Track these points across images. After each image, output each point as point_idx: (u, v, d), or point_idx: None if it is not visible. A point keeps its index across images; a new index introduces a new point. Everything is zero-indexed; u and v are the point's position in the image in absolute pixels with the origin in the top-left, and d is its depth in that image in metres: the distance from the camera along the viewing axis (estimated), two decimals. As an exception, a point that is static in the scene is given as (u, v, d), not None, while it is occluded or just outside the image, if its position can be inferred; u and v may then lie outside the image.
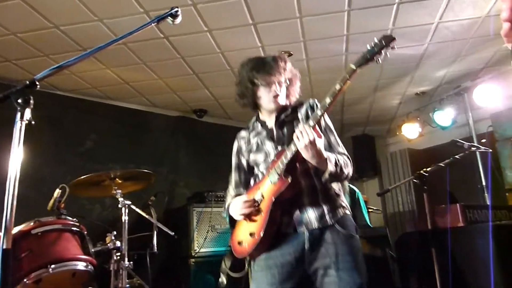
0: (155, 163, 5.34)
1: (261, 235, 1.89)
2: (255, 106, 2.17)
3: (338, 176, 1.91)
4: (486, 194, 4.99)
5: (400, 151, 7.19)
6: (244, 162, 2.24)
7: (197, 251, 4.38)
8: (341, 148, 2.07)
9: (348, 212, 2.04)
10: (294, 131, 1.92)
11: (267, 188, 1.98)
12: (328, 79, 5.21)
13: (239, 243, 2.04)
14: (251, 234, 1.96)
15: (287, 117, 2.12)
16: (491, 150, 3.39)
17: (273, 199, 1.91)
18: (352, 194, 4.09)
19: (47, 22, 3.57)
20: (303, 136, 1.76)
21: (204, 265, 4.37)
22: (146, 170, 3.37)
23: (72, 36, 3.82)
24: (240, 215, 2.01)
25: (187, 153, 5.78)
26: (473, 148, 3.06)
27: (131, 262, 2.95)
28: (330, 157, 1.87)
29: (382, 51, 1.74)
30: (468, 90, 5.35)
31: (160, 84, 5.02)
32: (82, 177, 2.99)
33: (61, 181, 3.05)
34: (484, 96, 4.94)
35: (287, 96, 2.16)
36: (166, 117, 5.82)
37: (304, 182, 1.98)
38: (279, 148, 2.04)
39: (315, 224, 1.91)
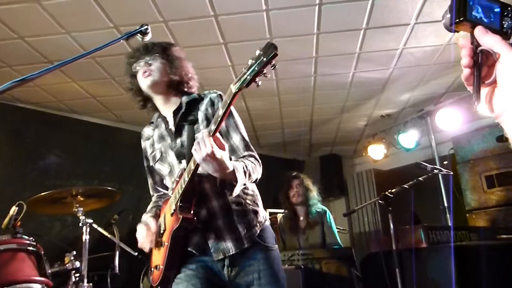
0: (121, 179, 5.22)
1: (163, 269, 1.80)
2: (147, 100, 2.02)
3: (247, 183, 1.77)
4: (448, 215, 5.12)
5: (366, 172, 7.31)
6: (151, 165, 2.06)
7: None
8: (244, 150, 1.87)
9: (267, 223, 1.93)
10: (192, 139, 1.79)
11: (168, 219, 1.84)
12: (296, 100, 5.28)
13: (151, 270, 1.94)
14: (156, 267, 1.85)
15: (185, 118, 1.91)
16: (452, 173, 3.49)
17: (171, 234, 1.77)
18: (322, 212, 4.13)
19: (11, 32, 3.47)
20: (201, 148, 1.53)
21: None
22: (109, 188, 3.27)
23: (37, 48, 3.73)
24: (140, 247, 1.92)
25: (154, 170, 5.67)
26: (435, 171, 3.14)
27: (91, 284, 2.83)
28: (237, 166, 1.66)
29: (264, 70, 1.41)
30: (431, 113, 5.52)
31: (128, 99, 4.92)
32: (42, 193, 2.88)
33: (19, 197, 2.93)
34: (445, 120, 5.11)
35: (177, 82, 1.98)
36: (134, 133, 5.70)
37: (217, 202, 1.83)
38: (183, 162, 1.86)
39: (232, 250, 1.80)
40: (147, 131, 2.10)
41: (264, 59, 1.38)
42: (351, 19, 3.64)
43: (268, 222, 1.95)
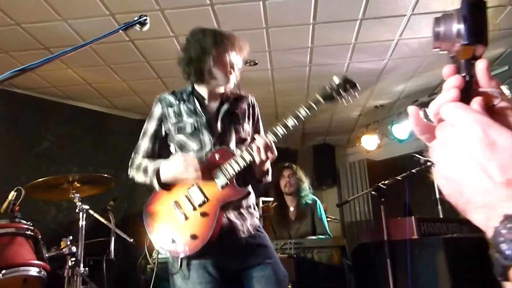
0: (115, 166, 5.22)
1: (207, 240, 1.83)
2: (199, 79, 2.02)
3: None
4: (439, 207, 5.18)
5: (359, 162, 7.37)
6: (163, 132, 2.08)
7: (155, 257, 4.30)
8: None
9: None
10: (231, 128, 2.01)
11: (212, 190, 1.90)
12: (291, 89, 5.30)
13: (172, 240, 1.89)
14: (193, 236, 1.85)
15: (228, 110, 2.06)
16: (444, 165, 3.51)
17: (221, 205, 1.88)
18: (312, 203, 4.15)
19: (8, 18, 3.46)
20: (267, 152, 1.84)
21: (162, 271, 4.29)
22: (106, 175, 3.30)
23: (34, 34, 3.71)
24: (194, 171, 1.84)
25: (149, 157, 5.68)
26: (428, 163, 3.18)
27: (87, 268, 2.87)
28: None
29: (345, 95, 1.92)
30: (425, 105, 5.52)
31: (123, 86, 4.94)
32: (39, 179, 2.90)
33: (15, 182, 2.95)
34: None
35: None
36: (128, 119, 5.72)
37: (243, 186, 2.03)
38: (217, 146, 1.97)
39: (250, 229, 1.98)
40: (169, 97, 2.10)
41: (346, 87, 1.92)
42: (348, 10, 3.65)
43: None
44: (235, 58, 2.02)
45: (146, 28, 1.80)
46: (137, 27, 1.76)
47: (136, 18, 1.73)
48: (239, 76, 2.09)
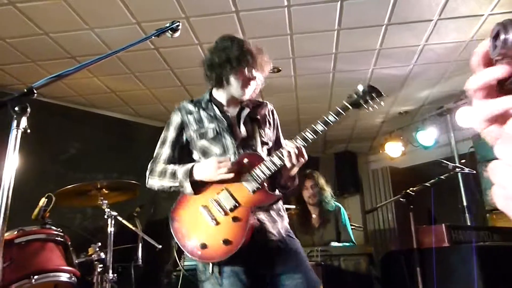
0: (138, 173, 5.21)
1: (240, 245, 1.80)
2: (217, 84, 2.03)
3: None
4: (467, 215, 5.07)
5: (381, 169, 7.27)
6: (184, 139, 2.08)
7: (181, 264, 4.30)
8: None
9: None
10: (255, 131, 2.02)
11: (242, 194, 1.89)
12: (314, 96, 5.28)
13: (203, 246, 1.85)
14: (226, 241, 1.82)
15: (248, 115, 2.08)
16: (474, 172, 3.46)
17: (252, 210, 1.88)
18: (336, 210, 4.10)
19: (37, 29, 3.54)
20: (298, 157, 1.86)
21: (186, 278, 4.30)
22: (133, 181, 3.33)
23: (61, 44, 3.79)
24: (221, 174, 1.85)
25: (171, 164, 5.71)
26: (457, 169, 3.12)
27: (115, 275, 2.89)
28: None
29: (371, 102, 2.00)
30: (450, 111, 5.46)
31: (147, 94, 5.00)
32: (69, 186, 2.94)
33: (42, 189, 2.98)
34: (466, 118, 5.05)
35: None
36: (151, 127, 5.77)
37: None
38: (241, 150, 1.97)
39: (282, 232, 1.97)
40: (187, 105, 2.12)
41: (373, 95, 1.99)
42: (373, 15, 3.62)
43: None
44: (255, 74, 2.02)
45: (177, 34, 1.82)
46: (169, 33, 1.78)
47: (168, 24, 1.75)
48: (257, 90, 2.12)
